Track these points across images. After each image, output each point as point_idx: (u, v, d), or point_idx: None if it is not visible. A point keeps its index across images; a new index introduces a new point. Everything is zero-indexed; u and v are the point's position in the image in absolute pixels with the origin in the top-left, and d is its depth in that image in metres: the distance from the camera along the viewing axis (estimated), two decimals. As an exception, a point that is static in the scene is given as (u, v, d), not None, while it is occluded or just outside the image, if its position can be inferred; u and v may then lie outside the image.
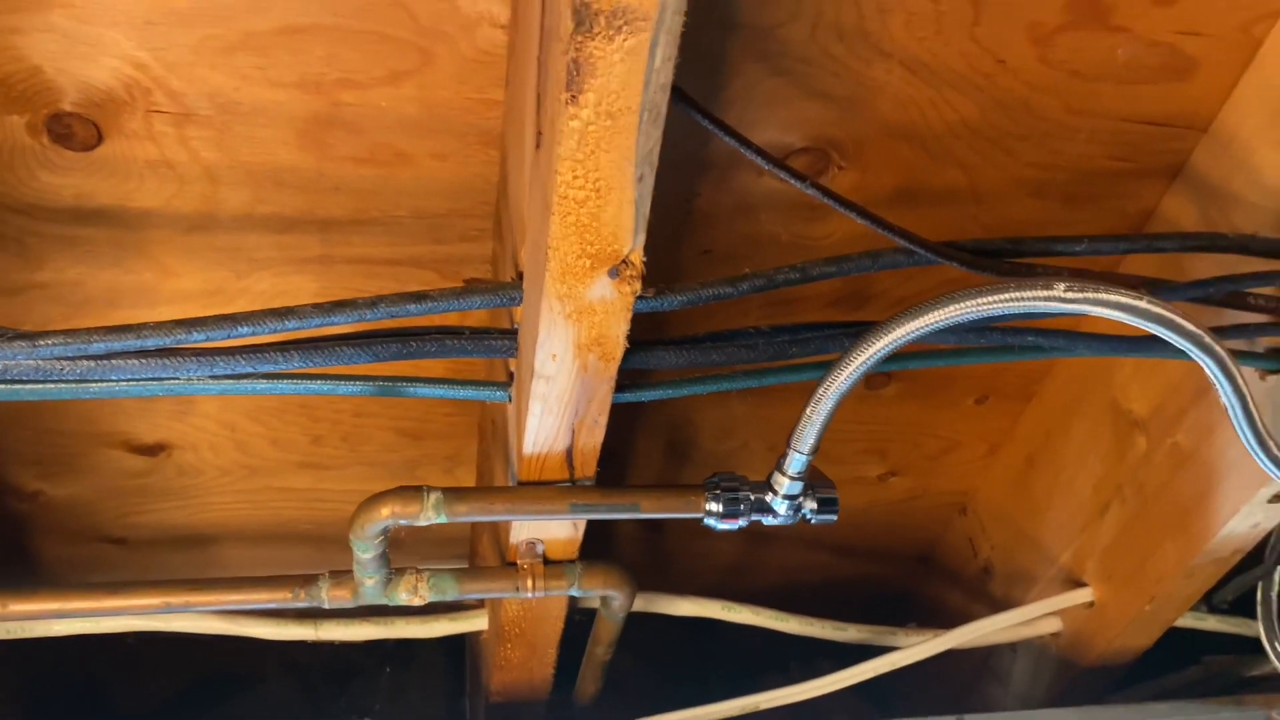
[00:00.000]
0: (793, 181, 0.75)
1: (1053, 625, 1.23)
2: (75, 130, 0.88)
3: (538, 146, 0.67)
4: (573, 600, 0.99)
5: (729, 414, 1.25)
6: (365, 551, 0.83)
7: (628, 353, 0.80)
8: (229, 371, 0.75)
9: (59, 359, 0.70)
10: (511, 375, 0.86)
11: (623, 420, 1.26)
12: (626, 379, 0.86)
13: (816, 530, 1.49)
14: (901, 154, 1.00)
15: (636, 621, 1.23)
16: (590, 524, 0.99)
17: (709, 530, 1.44)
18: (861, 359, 0.73)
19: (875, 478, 1.38)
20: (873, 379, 1.24)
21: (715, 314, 0.99)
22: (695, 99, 0.74)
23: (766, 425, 1.26)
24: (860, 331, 0.74)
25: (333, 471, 1.25)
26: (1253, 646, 1.20)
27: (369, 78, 0.87)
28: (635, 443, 1.29)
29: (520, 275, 0.79)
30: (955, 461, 1.37)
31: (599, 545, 1.03)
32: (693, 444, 1.29)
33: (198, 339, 0.70)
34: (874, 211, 0.81)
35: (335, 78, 0.87)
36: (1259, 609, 1.14)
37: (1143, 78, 0.96)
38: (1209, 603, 1.27)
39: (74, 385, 0.75)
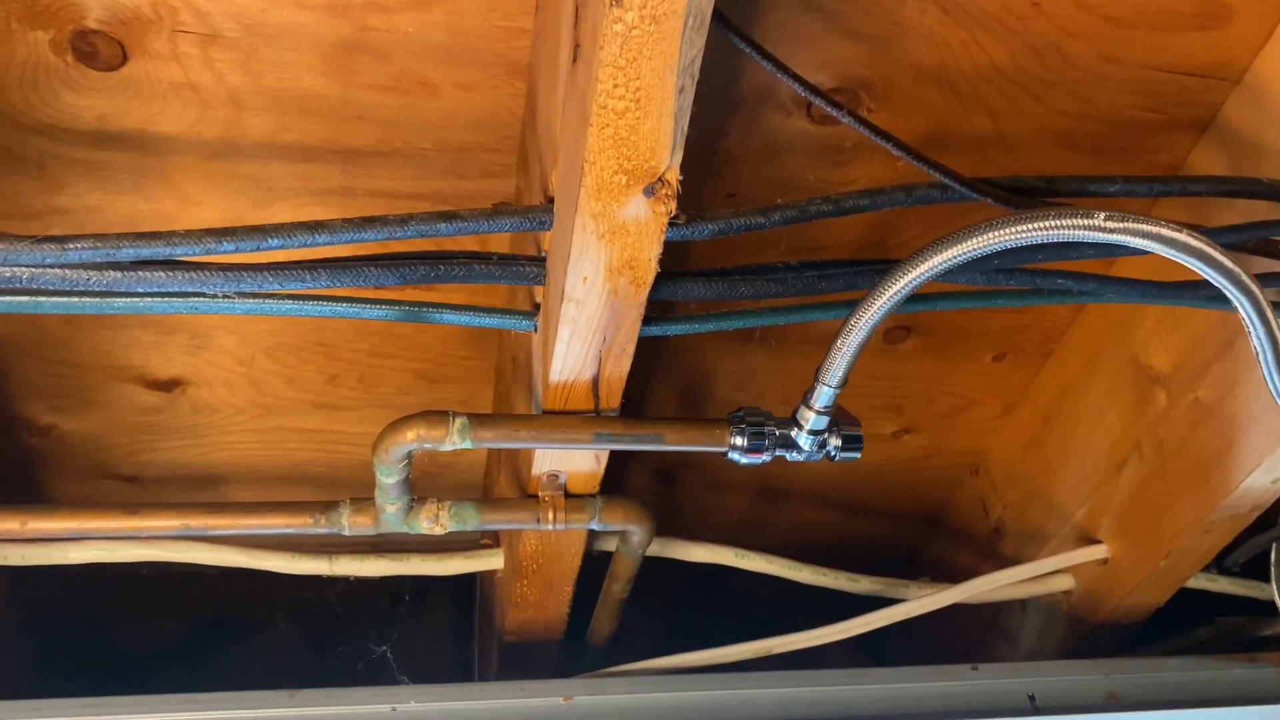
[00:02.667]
0: (829, 109, 0.74)
1: (1065, 583, 1.23)
2: (100, 49, 0.87)
3: (575, 60, 0.66)
4: (591, 536, 0.99)
5: (746, 365, 1.25)
6: (389, 476, 0.82)
7: (657, 283, 0.79)
8: (256, 289, 0.75)
9: (86, 266, 0.69)
10: (537, 306, 0.85)
11: (641, 368, 1.25)
12: (653, 311, 0.86)
13: (827, 488, 1.49)
14: (930, 97, 0.99)
15: (647, 573, 1.23)
16: (604, 474, 0.99)
17: (721, 484, 1.45)
18: (896, 288, 0.72)
19: (889, 435, 1.38)
20: (892, 333, 1.24)
21: (740, 257, 0.99)
22: (733, 21, 0.73)
23: (784, 377, 1.26)
24: (886, 268, 0.74)
25: (347, 413, 1.25)
26: (1265, 609, 1.21)
27: (397, 2, 0.86)
28: (651, 393, 1.28)
29: (550, 200, 0.78)
30: (969, 420, 1.37)
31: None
32: (709, 395, 1.28)
33: (228, 249, 0.69)
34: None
35: (363, 1, 0.86)
36: (1273, 570, 1.14)
37: (1178, 25, 0.95)
38: (1220, 565, 1.27)
39: (99, 299, 0.74)
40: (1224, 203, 0.97)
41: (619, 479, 1.39)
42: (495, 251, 0.80)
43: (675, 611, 1.56)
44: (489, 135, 0.97)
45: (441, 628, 1.49)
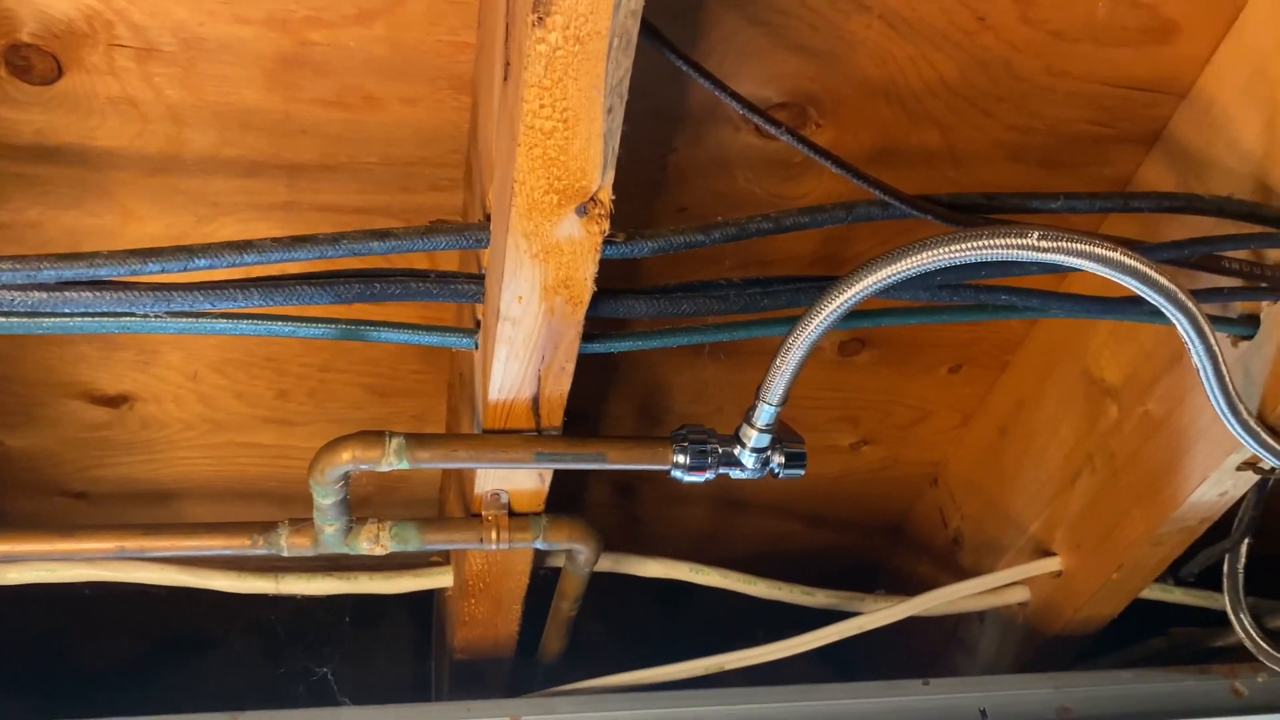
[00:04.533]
0: (765, 124, 0.74)
1: (1020, 595, 1.23)
2: (34, 63, 0.85)
3: (505, 79, 0.66)
4: (538, 555, 0.98)
5: (702, 378, 1.24)
6: (325, 497, 0.81)
7: (597, 301, 0.79)
8: (187, 308, 0.74)
9: (8, 287, 0.68)
10: (479, 323, 0.84)
11: (595, 383, 1.25)
12: (596, 329, 0.85)
13: (789, 499, 1.49)
14: (879, 112, 0.99)
15: (606, 588, 1.22)
16: (561, 490, 0.98)
17: (681, 496, 1.44)
18: (832, 307, 0.72)
19: (847, 446, 1.38)
20: (846, 345, 1.24)
21: (689, 271, 0.98)
22: (670, 39, 0.73)
23: (740, 390, 1.25)
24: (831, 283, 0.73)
25: (299, 428, 1.23)
26: (1218, 619, 1.21)
27: (338, 16, 0.85)
28: (608, 407, 1.27)
29: (489, 217, 0.77)
30: (927, 431, 1.37)
31: (570, 510, 1.01)
32: (666, 408, 1.28)
33: (153, 270, 0.68)
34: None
35: (303, 15, 0.85)
36: (1225, 581, 1.14)
37: (1124, 40, 0.96)
38: (1176, 576, 1.27)
39: (25, 319, 0.73)
40: (1172, 217, 0.97)
41: (578, 493, 1.39)
42: (434, 269, 0.79)
43: (639, 626, 1.55)
44: (435, 150, 0.97)
45: (401, 646, 1.47)
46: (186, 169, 0.95)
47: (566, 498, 1.42)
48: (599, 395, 1.25)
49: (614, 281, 0.84)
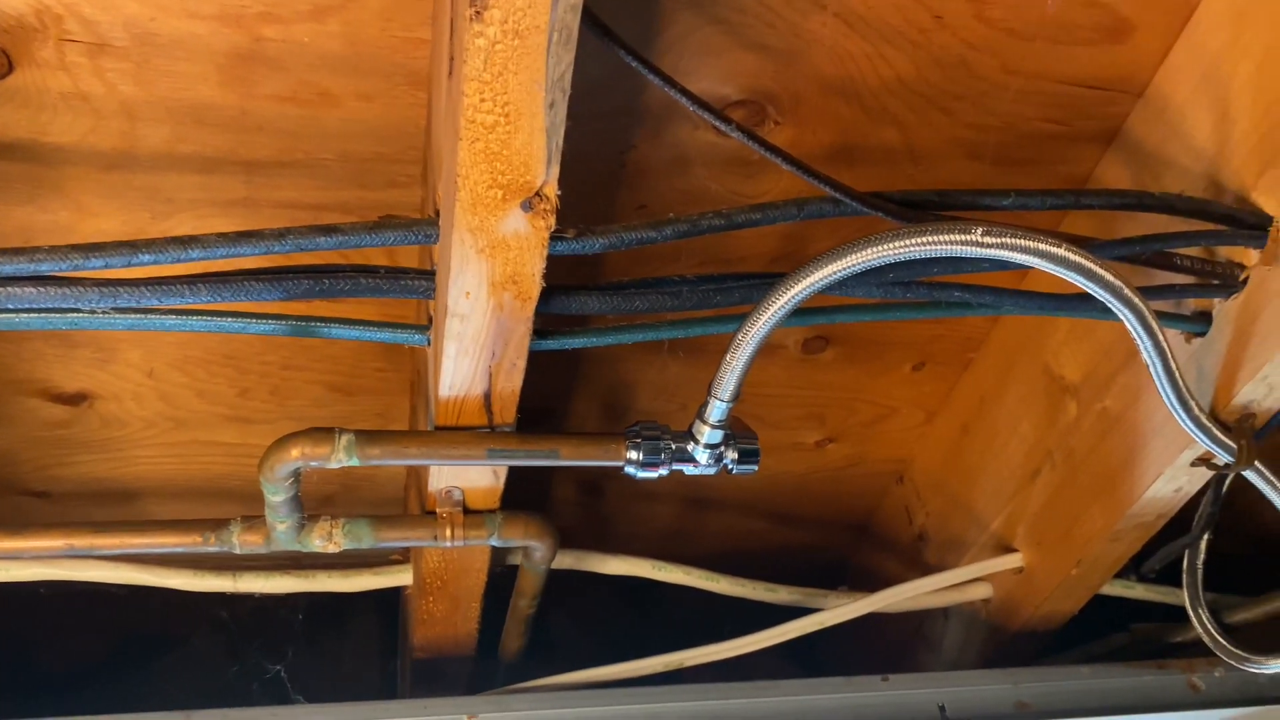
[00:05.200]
0: (715, 122, 0.74)
1: (983, 591, 1.23)
2: (-17, 58, 0.85)
3: (450, 73, 0.66)
4: (496, 553, 0.98)
5: (666, 375, 1.24)
6: (276, 494, 0.81)
7: (550, 297, 0.79)
8: (134, 304, 0.73)
9: (-52, 282, 0.67)
10: (431, 319, 0.84)
11: (560, 379, 1.25)
12: (551, 325, 0.85)
13: (756, 496, 1.49)
14: (838, 110, 0.99)
15: (574, 585, 1.22)
16: (525, 487, 0.98)
17: (648, 494, 1.44)
18: (780, 303, 0.72)
19: (813, 444, 1.38)
20: (810, 343, 1.24)
21: (653, 269, 0.98)
22: (622, 36, 0.73)
23: (703, 387, 1.24)
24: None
25: (261, 426, 1.23)
26: (1179, 615, 1.22)
27: (292, 12, 0.85)
28: (572, 404, 1.27)
29: (439, 213, 0.77)
30: (892, 429, 1.37)
31: (535, 510, 1.01)
32: (630, 405, 1.28)
33: (96, 265, 0.67)
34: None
35: (257, 11, 0.85)
36: (1184, 577, 1.15)
37: (1079, 39, 0.96)
38: (1138, 572, 1.28)
39: (-31, 314, 0.72)
40: (1131, 216, 0.98)
41: (544, 491, 1.39)
42: (384, 266, 0.79)
43: (608, 623, 1.55)
44: (393, 146, 0.96)
45: (368, 644, 1.47)
46: (141, 165, 0.95)
47: (532, 495, 1.42)
48: (563, 392, 1.25)
49: (577, 279, 0.84)
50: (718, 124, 0.75)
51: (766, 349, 1.23)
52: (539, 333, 0.83)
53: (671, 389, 1.25)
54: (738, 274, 0.85)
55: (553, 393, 1.25)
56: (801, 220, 0.82)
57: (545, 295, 0.77)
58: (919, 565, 1.39)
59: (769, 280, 0.84)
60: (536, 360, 0.87)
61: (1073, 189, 1.04)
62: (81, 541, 0.82)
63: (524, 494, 1.03)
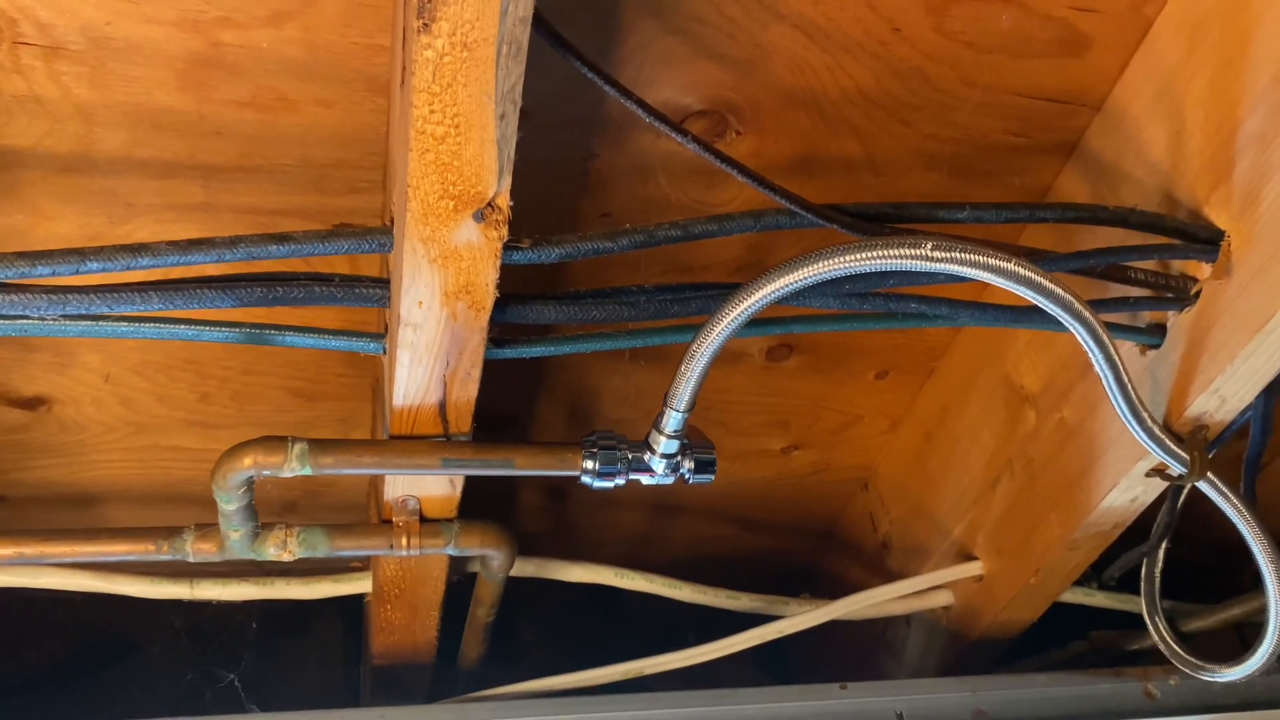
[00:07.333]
0: (671, 132, 0.74)
1: (944, 598, 1.24)
2: (-65, 60, 0.84)
3: (402, 83, 0.65)
4: (454, 561, 0.97)
5: (630, 383, 1.25)
6: (229, 503, 0.80)
7: (506, 306, 0.78)
8: (84, 311, 0.73)
9: (-108, 289, 0.66)
10: (388, 328, 0.84)
11: (524, 387, 1.25)
12: (509, 334, 0.85)
13: (722, 503, 1.50)
14: (799, 121, 0.99)
15: (538, 592, 1.21)
16: (489, 494, 0.97)
17: (613, 501, 1.44)
18: (734, 314, 0.72)
19: (778, 451, 1.38)
20: (774, 351, 1.24)
21: (616, 279, 0.98)
22: (579, 48, 0.73)
23: (668, 395, 1.26)
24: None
25: (223, 431, 1.22)
26: (1138, 622, 1.23)
27: (250, 17, 0.85)
28: (536, 411, 1.27)
29: (393, 222, 0.77)
30: (857, 436, 1.38)
31: (501, 516, 1.01)
32: (594, 413, 1.28)
33: (43, 273, 0.67)
34: (771, 180, 0.80)
35: (215, 16, 0.84)
36: (1142, 585, 1.16)
37: (1037, 51, 0.97)
38: (1099, 580, 1.29)
39: (-84, 321, 0.71)
40: (1090, 229, 0.99)
41: (506, 497, 1.39)
42: (339, 273, 0.78)
43: (572, 630, 1.55)
44: (354, 152, 0.96)
45: (332, 651, 1.46)
46: (99, 169, 0.94)
47: (497, 501, 1.41)
48: (527, 399, 1.25)
49: (537, 288, 0.84)
50: (674, 135, 0.75)
51: (731, 356, 1.25)
52: (496, 341, 0.83)
53: (636, 396, 1.26)
54: (696, 284, 0.85)
55: (516, 400, 1.25)
56: (759, 231, 0.82)
57: (502, 304, 0.77)
58: (883, 572, 1.40)
59: (726, 290, 0.84)
60: (498, 368, 0.87)
61: (1028, 203, 1.05)
62: (32, 550, 0.82)
63: (489, 500, 1.02)
